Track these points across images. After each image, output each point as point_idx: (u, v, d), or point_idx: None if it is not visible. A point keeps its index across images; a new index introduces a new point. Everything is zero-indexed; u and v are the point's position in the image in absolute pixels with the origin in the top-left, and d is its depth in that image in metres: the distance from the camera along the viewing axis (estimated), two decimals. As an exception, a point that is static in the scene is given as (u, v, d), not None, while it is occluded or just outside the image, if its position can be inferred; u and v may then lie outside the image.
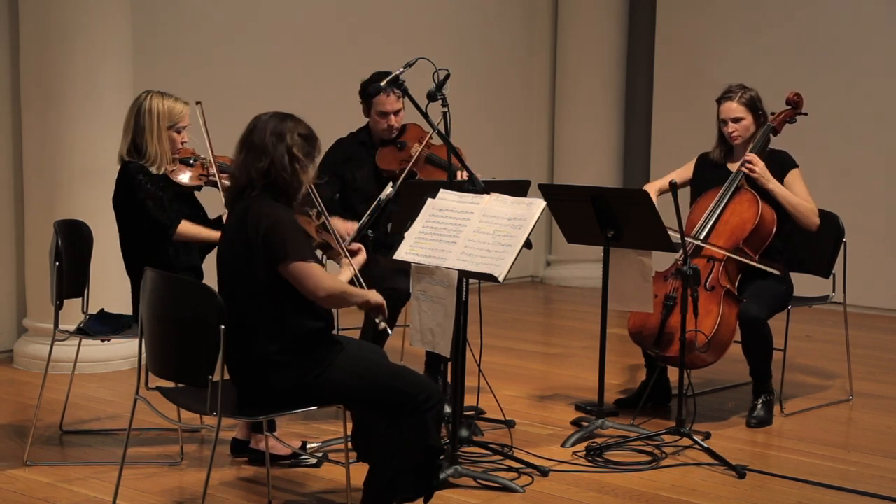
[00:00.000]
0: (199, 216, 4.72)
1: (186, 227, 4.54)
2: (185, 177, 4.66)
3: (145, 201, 4.48)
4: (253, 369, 3.53)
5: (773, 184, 5.13)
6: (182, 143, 4.62)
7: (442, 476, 4.11)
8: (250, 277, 3.51)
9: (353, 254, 3.99)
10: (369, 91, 5.04)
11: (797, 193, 5.17)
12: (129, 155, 4.54)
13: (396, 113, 5.28)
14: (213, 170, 4.66)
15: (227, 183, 4.38)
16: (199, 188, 4.73)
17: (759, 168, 5.12)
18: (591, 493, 4.21)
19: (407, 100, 4.65)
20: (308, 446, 4.58)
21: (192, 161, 4.70)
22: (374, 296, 3.68)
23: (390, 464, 3.57)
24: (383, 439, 3.60)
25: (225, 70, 7.22)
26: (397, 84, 4.63)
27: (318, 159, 3.71)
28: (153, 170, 4.53)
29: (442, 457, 3.73)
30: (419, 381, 3.64)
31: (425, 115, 4.50)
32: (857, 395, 5.67)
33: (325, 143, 4.15)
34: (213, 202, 4.83)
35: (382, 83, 4.65)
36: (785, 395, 5.40)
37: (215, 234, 4.46)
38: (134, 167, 4.52)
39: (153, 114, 4.50)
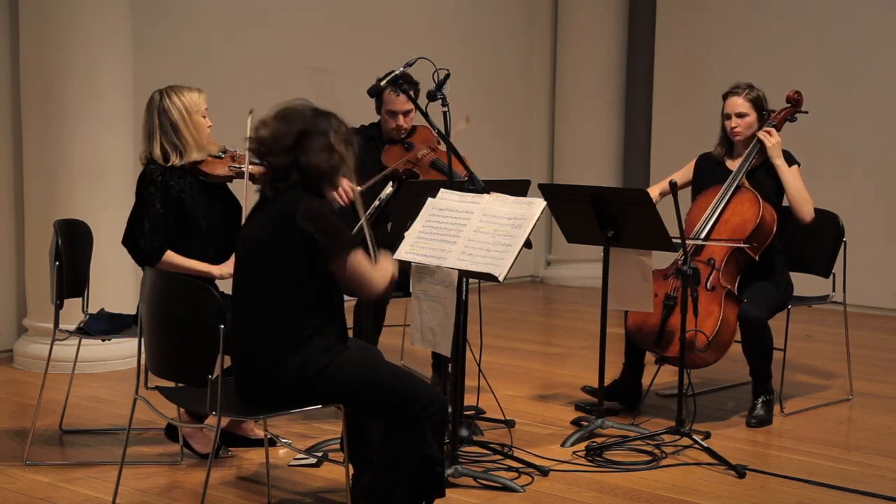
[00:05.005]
0: (232, 207, 4.62)
1: (172, 258, 4.41)
2: (216, 168, 4.57)
3: (144, 219, 4.40)
4: (258, 358, 3.51)
5: (780, 160, 5.16)
6: (209, 128, 4.56)
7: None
8: (285, 266, 3.48)
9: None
10: (369, 91, 5.05)
11: None
12: (157, 158, 4.46)
13: (406, 114, 5.30)
14: (244, 163, 4.58)
15: (259, 170, 4.23)
16: (230, 179, 4.61)
17: (775, 140, 5.15)
18: (591, 493, 4.20)
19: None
20: (282, 440, 4.58)
21: (221, 154, 4.65)
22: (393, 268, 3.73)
23: (386, 471, 3.53)
24: (381, 446, 3.57)
25: (225, 68, 7.22)
26: (396, 83, 4.62)
27: (351, 160, 3.66)
28: (196, 156, 4.45)
29: (440, 468, 3.64)
30: (421, 387, 3.58)
31: (425, 115, 4.49)
32: (857, 395, 5.67)
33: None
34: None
35: (382, 82, 4.65)
36: (785, 395, 5.40)
37: (203, 268, 4.41)
38: (153, 171, 4.45)
39: (177, 107, 4.45)
